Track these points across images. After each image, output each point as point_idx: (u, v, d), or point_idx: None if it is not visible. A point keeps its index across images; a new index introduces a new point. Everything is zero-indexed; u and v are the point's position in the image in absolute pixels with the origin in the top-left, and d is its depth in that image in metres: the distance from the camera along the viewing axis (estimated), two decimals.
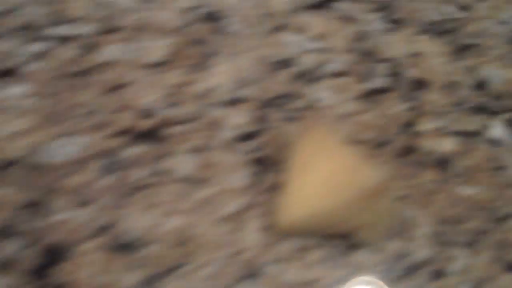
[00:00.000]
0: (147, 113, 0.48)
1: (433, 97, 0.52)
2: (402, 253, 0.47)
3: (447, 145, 0.50)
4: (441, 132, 0.50)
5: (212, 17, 0.53)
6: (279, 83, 0.51)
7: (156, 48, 0.51)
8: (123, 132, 0.48)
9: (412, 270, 0.46)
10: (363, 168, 0.44)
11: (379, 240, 0.45)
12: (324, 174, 0.44)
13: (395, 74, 0.53)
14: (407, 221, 0.47)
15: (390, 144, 0.49)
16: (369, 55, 0.53)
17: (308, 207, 0.44)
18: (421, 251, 0.47)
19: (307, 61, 0.53)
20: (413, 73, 0.53)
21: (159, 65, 0.50)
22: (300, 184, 0.45)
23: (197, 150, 0.48)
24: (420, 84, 0.53)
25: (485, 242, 0.47)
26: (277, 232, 0.46)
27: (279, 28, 0.54)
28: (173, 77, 0.50)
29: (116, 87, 0.50)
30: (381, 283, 0.46)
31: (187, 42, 0.52)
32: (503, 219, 0.48)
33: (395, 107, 0.51)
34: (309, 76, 0.52)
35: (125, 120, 0.48)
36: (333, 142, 0.45)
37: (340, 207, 0.44)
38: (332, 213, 0.45)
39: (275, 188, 0.47)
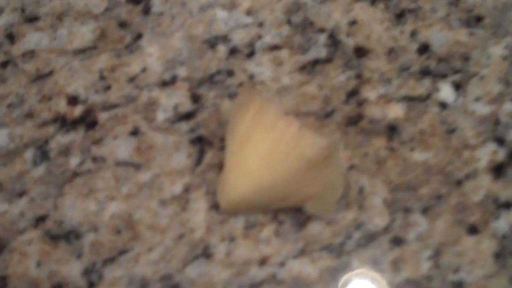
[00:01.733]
0: (77, 100, 0.56)
1: (376, 64, 0.60)
2: (357, 223, 0.53)
3: (395, 111, 0.58)
4: (388, 99, 0.58)
5: None
6: (213, 60, 0.58)
7: (81, 33, 0.59)
8: (53, 120, 0.55)
9: (370, 239, 0.53)
10: (305, 137, 0.48)
11: (330, 212, 0.52)
12: (263, 147, 0.49)
13: (334, 44, 0.60)
14: (359, 190, 0.55)
15: (335, 114, 0.57)
16: (305, 26, 0.61)
17: (249, 183, 0.49)
18: (377, 219, 0.54)
19: (240, 37, 0.60)
20: (353, 41, 0.61)
21: (86, 51, 0.58)
22: (238, 160, 0.49)
23: (133, 133, 0.55)
24: (361, 52, 0.61)
25: (442, 206, 0.55)
26: (222, 211, 0.52)
27: (208, 5, 0.62)
28: (101, 61, 0.57)
29: (43, 75, 0.56)
30: (376, 275, 0.51)
31: (113, 25, 0.60)
32: (459, 182, 0.55)
33: (338, 77, 0.59)
34: (243, 52, 0.60)
35: (55, 108, 0.55)
36: (273, 115, 0.49)
37: (283, 180, 0.49)
38: (275, 187, 0.49)
39: (218, 166, 0.54)
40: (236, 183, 0.49)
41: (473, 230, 0.51)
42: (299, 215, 0.52)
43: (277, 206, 0.50)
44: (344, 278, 0.50)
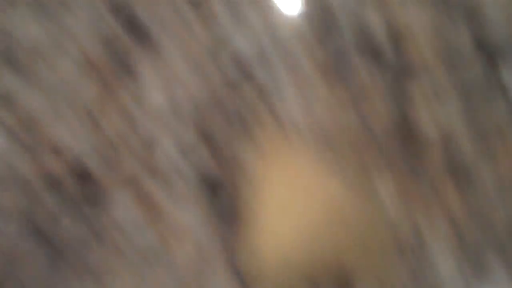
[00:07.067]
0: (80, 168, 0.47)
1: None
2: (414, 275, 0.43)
3: None
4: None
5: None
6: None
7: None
8: None
9: None
10: (328, 179, 0.40)
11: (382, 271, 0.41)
12: (287, 201, 0.40)
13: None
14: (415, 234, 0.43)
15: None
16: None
17: (277, 245, 0.41)
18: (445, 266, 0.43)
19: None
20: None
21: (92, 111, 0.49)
22: (263, 219, 0.41)
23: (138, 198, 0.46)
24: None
25: None
26: (248, 278, 0.42)
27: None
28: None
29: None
30: None
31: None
32: None
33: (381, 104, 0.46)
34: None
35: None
36: (296, 160, 0.41)
37: (317, 240, 0.40)
38: (311, 251, 0.40)
39: (237, 221, 0.44)
40: (264, 246, 0.41)
41: None
42: (340, 276, 0.40)
43: (317, 274, 0.41)
44: None
